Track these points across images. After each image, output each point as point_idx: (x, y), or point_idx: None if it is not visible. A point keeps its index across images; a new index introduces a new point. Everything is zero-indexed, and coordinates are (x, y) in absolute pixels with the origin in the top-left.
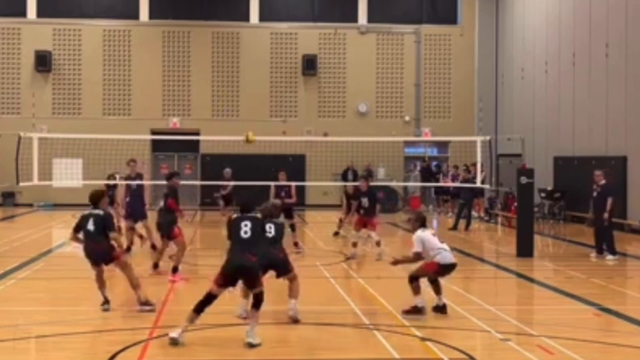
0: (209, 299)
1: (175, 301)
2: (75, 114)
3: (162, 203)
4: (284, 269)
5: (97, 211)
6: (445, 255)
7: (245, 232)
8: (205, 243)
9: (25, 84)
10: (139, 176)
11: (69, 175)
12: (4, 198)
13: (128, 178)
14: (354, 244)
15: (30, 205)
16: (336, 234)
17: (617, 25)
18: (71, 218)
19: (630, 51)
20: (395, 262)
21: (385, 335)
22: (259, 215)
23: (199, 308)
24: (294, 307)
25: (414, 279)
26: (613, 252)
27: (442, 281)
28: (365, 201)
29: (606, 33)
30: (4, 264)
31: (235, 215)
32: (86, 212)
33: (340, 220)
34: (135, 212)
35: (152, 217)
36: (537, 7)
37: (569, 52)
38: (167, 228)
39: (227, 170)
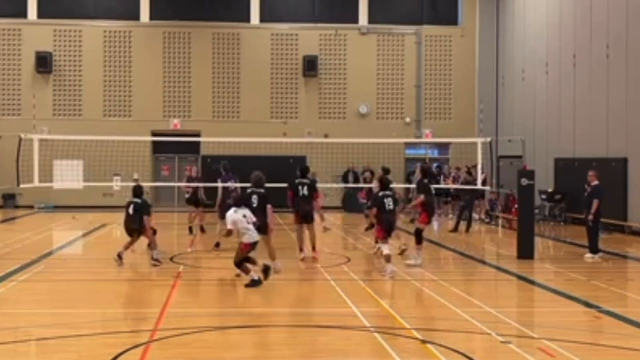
0: None
1: (176, 304)
2: (76, 115)
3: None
4: None
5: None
6: (250, 235)
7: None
8: (208, 245)
9: (25, 85)
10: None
11: (70, 177)
12: (5, 200)
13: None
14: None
15: (31, 207)
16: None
17: (617, 26)
18: (72, 220)
19: (631, 52)
20: None
21: (386, 337)
22: None
23: None
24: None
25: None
26: (594, 251)
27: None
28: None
29: (607, 34)
30: (4, 266)
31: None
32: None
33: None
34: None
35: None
36: (538, 8)
37: (570, 53)
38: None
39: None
